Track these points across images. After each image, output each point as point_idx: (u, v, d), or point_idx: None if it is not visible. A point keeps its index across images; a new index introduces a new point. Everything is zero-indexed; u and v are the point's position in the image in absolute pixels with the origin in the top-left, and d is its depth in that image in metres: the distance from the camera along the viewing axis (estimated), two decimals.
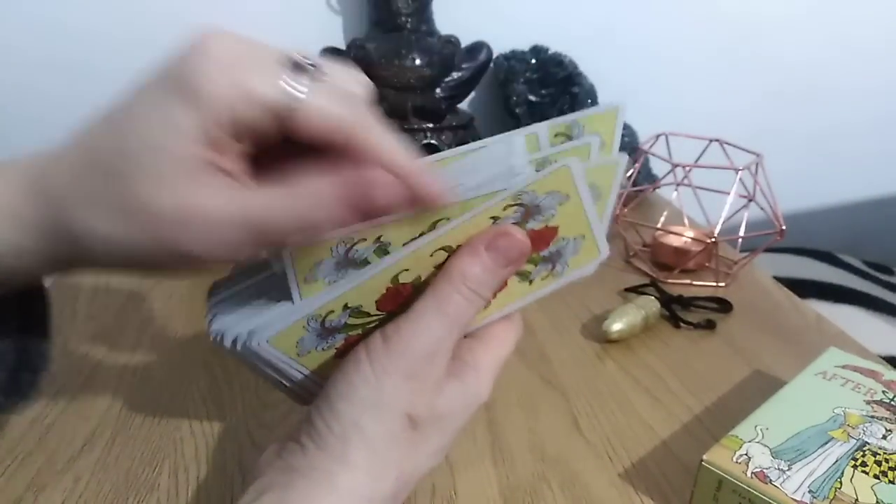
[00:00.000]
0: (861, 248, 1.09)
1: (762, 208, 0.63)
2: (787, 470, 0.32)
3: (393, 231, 0.26)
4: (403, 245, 0.26)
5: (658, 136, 0.69)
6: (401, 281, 0.26)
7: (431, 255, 0.26)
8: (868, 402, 0.37)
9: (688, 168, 0.62)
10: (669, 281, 0.64)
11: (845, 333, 0.55)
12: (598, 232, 0.28)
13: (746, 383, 0.48)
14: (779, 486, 0.31)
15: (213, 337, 0.27)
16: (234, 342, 0.26)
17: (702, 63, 1.06)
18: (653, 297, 0.56)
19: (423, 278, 0.26)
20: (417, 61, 0.83)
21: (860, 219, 1.19)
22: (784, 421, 0.35)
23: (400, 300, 0.26)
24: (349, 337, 0.27)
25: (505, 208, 0.26)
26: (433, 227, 0.26)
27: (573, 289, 0.63)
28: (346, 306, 0.26)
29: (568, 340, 0.53)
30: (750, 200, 0.64)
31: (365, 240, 0.26)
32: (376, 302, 0.26)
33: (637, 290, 0.61)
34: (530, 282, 0.29)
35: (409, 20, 0.85)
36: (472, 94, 0.92)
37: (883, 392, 0.39)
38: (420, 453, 0.26)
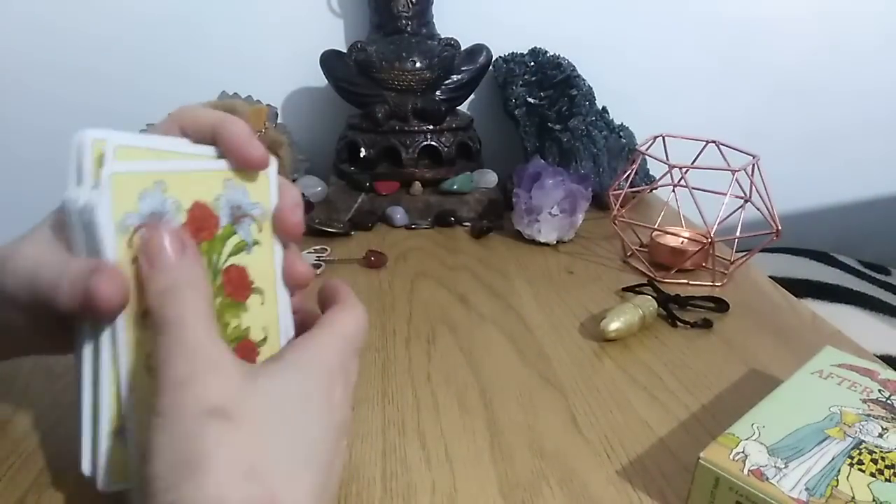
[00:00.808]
0: (857, 248, 1.09)
1: (758, 209, 0.64)
2: (784, 468, 0.32)
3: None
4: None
5: (655, 138, 0.70)
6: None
7: (135, 328, 0.26)
8: (864, 401, 0.38)
9: (685, 169, 0.63)
10: (666, 280, 0.65)
11: (841, 332, 0.56)
12: (223, 164, 0.28)
13: (743, 382, 0.48)
14: (775, 483, 0.31)
15: None
16: None
17: (698, 66, 1.07)
18: (650, 297, 0.57)
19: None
20: (418, 64, 0.83)
21: (856, 219, 1.20)
22: (780, 419, 0.36)
23: None
24: None
25: (129, 240, 0.25)
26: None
27: (572, 289, 0.64)
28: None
29: (566, 339, 0.54)
30: (746, 201, 0.65)
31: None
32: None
33: (634, 289, 0.61)
34: (256, 243, 0.29)
35: (410, 23, 0.85)
36: (472, 97, 0.93)
37: (879, 391, 0.39)
38: (268, 433, 0.23)
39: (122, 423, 0.27)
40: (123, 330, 0.26)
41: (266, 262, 0.30)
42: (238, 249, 0.28)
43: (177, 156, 0.27)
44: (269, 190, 0.30)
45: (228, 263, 0.28)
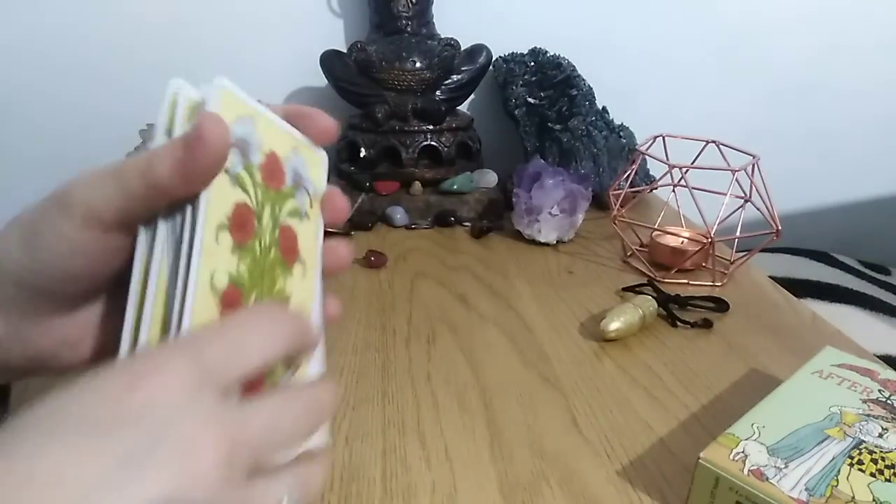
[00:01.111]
0: (857, 248, 1.09)
1: (758, 209, 0.64)
2: (784, 468, 0.32)
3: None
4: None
5: (655, 138, 0.70)
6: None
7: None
8: (864, 401, 0.38)
9: (685, 169, 0.63)
10: (667, 280, 0.65)
11: (841, 332, 0.56)
12: (299, 135, 0.30)
13: (743, 382, 0.48)
14: (775, 483, 0.31)
15: None
16: None
17: (699, 65, 1.07)
18: (650, 297, 0.57)
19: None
20: (418, 64, 0.83)
21: (856, 219, 1.20)
22: (780, 419, 0.36)
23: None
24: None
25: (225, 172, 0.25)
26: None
27: (572, 289, 0.64)
28: None
29: (566, 339, 0.54)
30: (746, 201, 0.65)
31: None
32: None
33: (634, 289, 0.61)
34: (307, 216, 0.30)
35: (410, 23, 0.85)
36: (472, 96, 0.93)
37: (879, 391, 0.39)
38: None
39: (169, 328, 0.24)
40: (203, 227, 0.24)
41: (311, 237, 0.30)
42: (294, 213, 0.29)
43: (265, 111, 0.29)
44: (321, 175, 0.31)
45: (286, 222, 0.29)
